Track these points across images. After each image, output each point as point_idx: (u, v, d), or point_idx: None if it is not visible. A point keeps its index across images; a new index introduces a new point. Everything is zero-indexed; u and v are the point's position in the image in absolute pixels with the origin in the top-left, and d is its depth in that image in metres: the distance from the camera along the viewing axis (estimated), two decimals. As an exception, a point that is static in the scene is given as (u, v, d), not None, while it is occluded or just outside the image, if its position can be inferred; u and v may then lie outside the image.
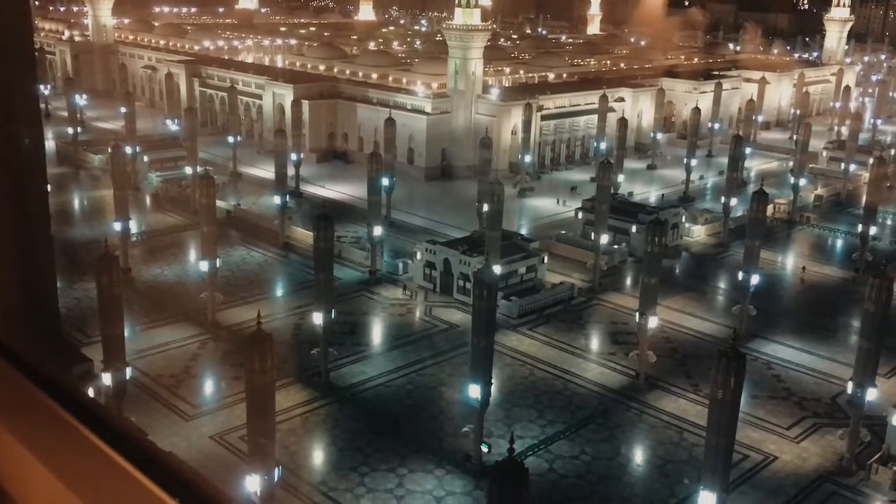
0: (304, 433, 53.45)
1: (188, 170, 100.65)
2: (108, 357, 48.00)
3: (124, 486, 4.86)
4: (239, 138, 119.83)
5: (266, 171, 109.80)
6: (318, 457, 51.81)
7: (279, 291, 77.81)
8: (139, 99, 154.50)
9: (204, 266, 68.62)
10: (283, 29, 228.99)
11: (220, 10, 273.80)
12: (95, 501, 4.77)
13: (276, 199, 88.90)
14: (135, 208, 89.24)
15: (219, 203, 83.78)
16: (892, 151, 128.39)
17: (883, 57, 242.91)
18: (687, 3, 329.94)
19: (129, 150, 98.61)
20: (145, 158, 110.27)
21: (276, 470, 41.00)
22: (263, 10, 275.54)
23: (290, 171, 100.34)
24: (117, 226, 76.42)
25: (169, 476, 4.89)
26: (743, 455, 51.40)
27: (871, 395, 50.94)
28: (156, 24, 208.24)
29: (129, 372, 49.54)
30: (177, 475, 4.92)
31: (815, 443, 54.22)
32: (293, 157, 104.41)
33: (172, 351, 63.43)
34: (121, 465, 4.97)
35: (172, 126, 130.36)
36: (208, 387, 59.86)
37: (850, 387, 51.65)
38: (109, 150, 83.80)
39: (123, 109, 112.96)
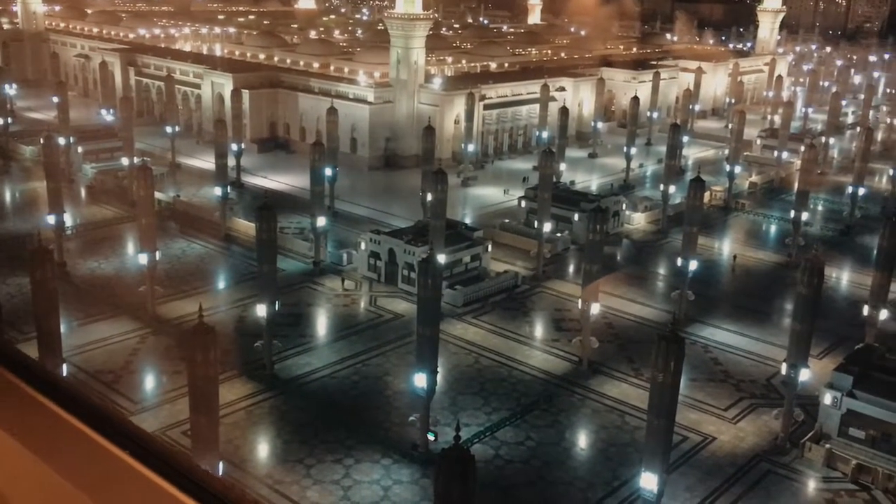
0: (248, 426, 52.95)
1: (125, 161, 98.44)
2: (44, 354, 46.72)
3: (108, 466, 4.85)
4: (177, 128, 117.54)
5: (206, 162, 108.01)
6: (263, 450, 51.39)
7: (221, 284, 76.73)
8: (72, 88, 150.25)
9: (143, 259, 67.27)
10: (221, 17, 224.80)
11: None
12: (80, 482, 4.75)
13: (217, 191, 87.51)
14: (69, 201, 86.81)
15: (157, 195, 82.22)
16: (823, 139, 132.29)
17: (814, 47, 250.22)
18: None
19: (62, 141, 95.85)
20: (79, 149, 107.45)
21: (220, 464, 40.56)
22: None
23: (231, 162, 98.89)
24: (51, 219, 74.39)
25: (153, 455, 4.89)
26: (683, 437, 52.70)
27: (804, 375, 52.69)
28: (88, 11, 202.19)
29: (65, 369, 48.37)
30: (157, 454, 4.92)
31: (752, 423, 55.87)
32: (234, 147, 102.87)
33: (111, 346, 62.10)
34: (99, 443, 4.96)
35: (107, 116, 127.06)
36: (149, 382, 58.81)
37: (783, 368, 53.34)
38: (41, 141, 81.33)
39: (56, 99, 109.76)
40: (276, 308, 59.43)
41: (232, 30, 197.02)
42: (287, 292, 71.24)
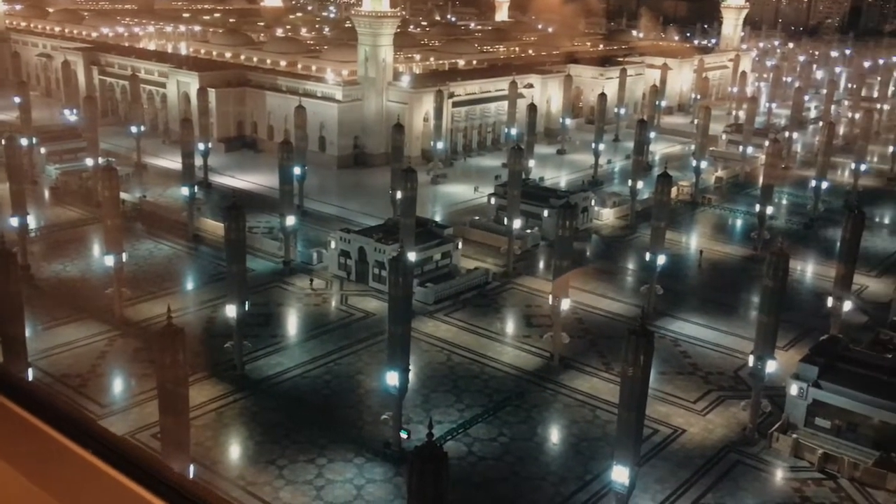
0: (219, 428, 52.53)
1: (89, 161, 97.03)
2: (8, 358, 45.92)
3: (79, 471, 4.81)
4: (142, 128, 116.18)
5: (172, 162, 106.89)
6: (234, 451, 51.00)
7: (190, 285, 75.98)
8: (34, 88, 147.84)
9: (109, 261, 66.40)
10: (186, 15, 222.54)
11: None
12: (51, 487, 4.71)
13: (184, 191, 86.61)
14: (33, 202, 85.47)
15: (123, 195, 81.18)
16: (787, 134, 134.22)
17: (776, 43, 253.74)
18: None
19: (24, 141, 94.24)
20: (42, 150, 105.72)
21: (191, 467, 40.22)
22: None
23: (198, 162, 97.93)
24: (14, 221, 73.08)
25: (121, 457, 4.86)
26: (653, 429, 53.25)
27: (771, 367, 53.45)
28: (50, 10, 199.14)
29: (31, 373, 47.62)
30: (126, 456, 4.88)
31: (720, 415, 56.59)
32: (201, 146, 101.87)
33: (78, 350, 61.24)
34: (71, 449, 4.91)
35: (71, 116, 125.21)
36: (117, 385, 58.08)
37: (751, 360, 54.06)
38: (3, 141, 79.91)
39: (17, 99, 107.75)
40: (246, 308, 59.05)
41: (197, 28, 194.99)
42: (257, 292, 70.78)
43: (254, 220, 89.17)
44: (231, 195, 77.84)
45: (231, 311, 58.19)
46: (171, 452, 39.31)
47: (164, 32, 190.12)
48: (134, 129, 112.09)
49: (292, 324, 69.05)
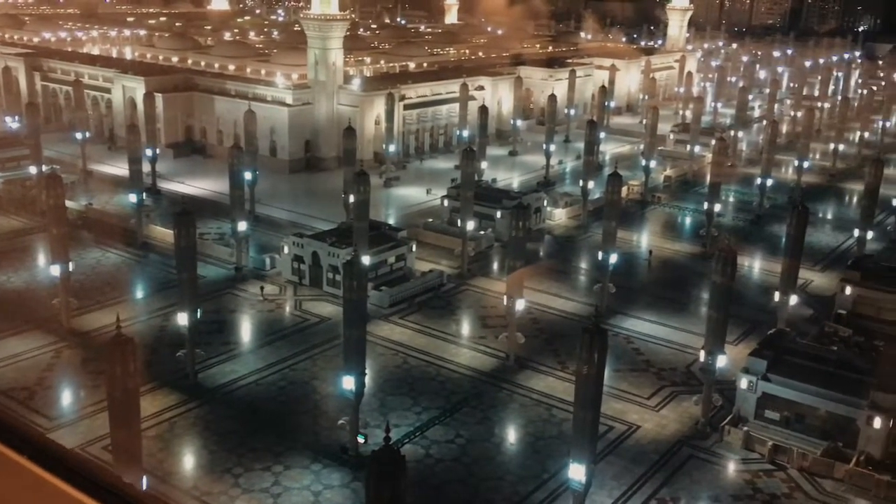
0: (172, 438, 51.68)
1: (32, 169, 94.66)
2: (-49, 373, 44.66)
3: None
4: (87, 135, 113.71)
5: (119, 169, 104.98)
6: (188, 462, 50.22)
7: (140, 293, 74.61)
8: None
9: (55, 270, 64.92)
10: (130, 19, 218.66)
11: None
12: None
13: (132, 197, 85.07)
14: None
15: (68, 203, 79.32)
16: (732, 133, 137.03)
17: (720, 44, 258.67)
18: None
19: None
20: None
21: (144, 478, 39.49)
22: (108, 0, 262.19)
23: (146, 168, 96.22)
24: (-46, 232, 71.01)
25: (71, 470, 4.77)
26: (608, 426, 53.88)
27: (721, 361, 54.52)
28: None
29: (-25, 388, 46.27)
30: (76, 468, 4.80)
31: (673, 410, 57.51)
32: (148, 152, 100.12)
33: (24, 362, 59.71)
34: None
35: (12, 123, 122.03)
36: (66, 397, 56.74)
37: (702, 355, 55.09)
38: (-59, 150, 77.61)
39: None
40: (198, 316, 58.24)
41: (142, 32, 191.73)
42: (209, 299, 69.87)
43: (204, 226, 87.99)
44: (181, 201, 76.65)
45: (183, 319, 57.33)
46: (124, 464, 38.54)
47: (108, 37, 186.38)
48: (78, 136, 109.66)
49: (246, 330, 68.26)
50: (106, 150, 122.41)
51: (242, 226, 77.80)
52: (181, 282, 58.35)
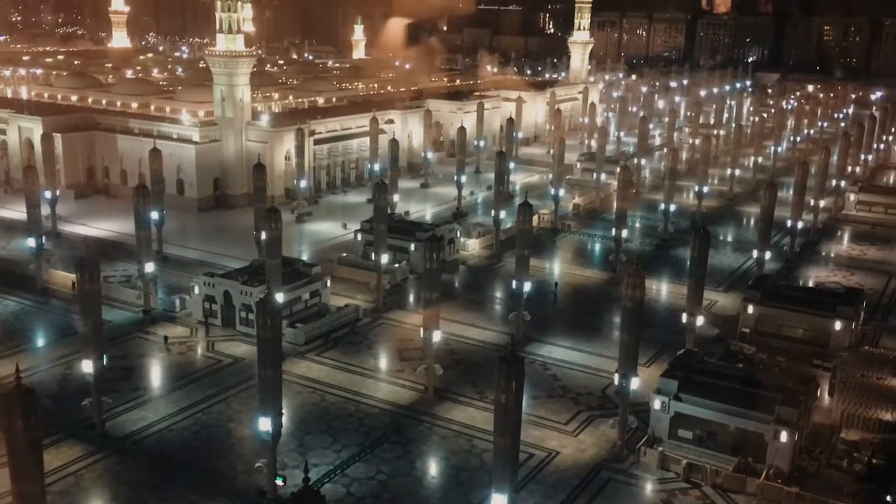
0: (79, 493, 49.33)
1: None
2: None
3: None
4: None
5: (17, 212, 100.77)
6: (98, 516, 48.02)
7: (40, 341, 71.33)
8: None
9: (-53, 321, 61.51)
10: (26, 58, 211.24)
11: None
12: None
13: (31, 242, 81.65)
14: None
15: (-39, 250, 75.62)
16: (635, 161, 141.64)
17: (620, 75, 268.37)
18: (446, 29, 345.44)
19: None
20: None
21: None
22: (2, 38, 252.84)
23: (45, 211, 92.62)
24: None
25: None
26: (529, 454, 54.26)
27: (635, 384, 55.80)
28: None
29: None
30: None
31: (591, 434, 58.39)
32: (47, 195, 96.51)
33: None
34: None
35: None
36: (-38, 455, 53.51)
37: (616, 378, 56.23)
38: None
39: None
40: (104, 362, 56.02)
41: (39, 71, 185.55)
42: (115, 344, 67.55)
43: (110, 268, 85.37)
44: (83, 244, 74.05)
45: (87, 366, 55.08)
46: (26, 523, 36.57)
47: (2, 77, 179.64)
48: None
49: (156, 375, 66.04)
50: (2, 193, 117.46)
51: (149, 267, 75.64)
52: (85, 328, 56.10)
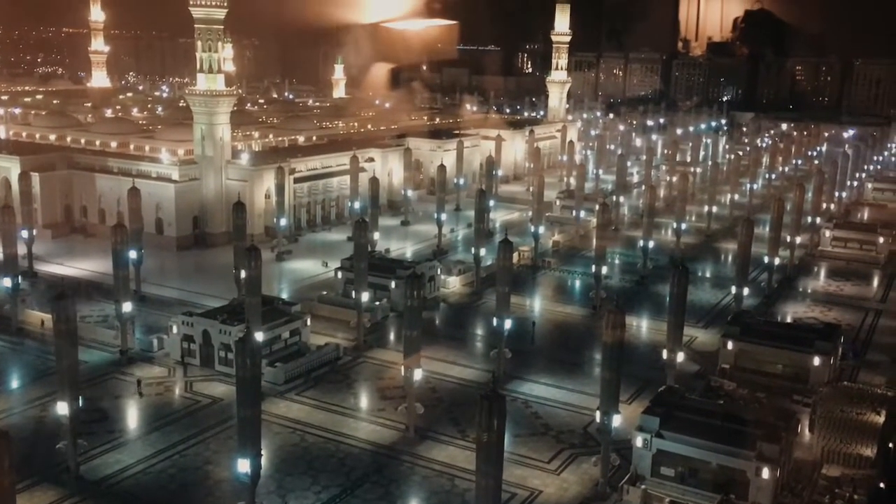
0: (53, 538, 48.26)
1: None
2: None
3: None
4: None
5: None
6: (71, 562, 46.92)
7: (14, 383, 70.13)
8: None
9: (-81, 363, 60.40)
10: (4, 97, 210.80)
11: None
12: None
13: (6, 282, 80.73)
14: None
15: (-65, 290, 74.58)
16: (614, 198, 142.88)
17: (598, 114, 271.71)
18: (425, 68, 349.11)
19: None
20: None
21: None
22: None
23: (22, 250, 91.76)
24: None
25: None
26: (511, 493, 53.78)
27: (617, 421, 55.58)
28: None
29: None
30: None
31: (574, 472, 58.03)
32: (24, 234, 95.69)
33: None
34: None
35: None
36: (-69, 501, 52.26)
37: (598, 416, 56.04)
38: None
39: None
40: (80, 404, 55.09)
41: (17, 110, 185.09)
42: (91, 385, 66.62)
43: (87, 308, 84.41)
44: (60, 283, 73.27)
45: (62, 408, 54.14)
46: (-3, 571, 35.61)
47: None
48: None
49: (132, 417, 65.03)
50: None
51: (127, 307, 74.85)
52: (60, 369, 55.25)
